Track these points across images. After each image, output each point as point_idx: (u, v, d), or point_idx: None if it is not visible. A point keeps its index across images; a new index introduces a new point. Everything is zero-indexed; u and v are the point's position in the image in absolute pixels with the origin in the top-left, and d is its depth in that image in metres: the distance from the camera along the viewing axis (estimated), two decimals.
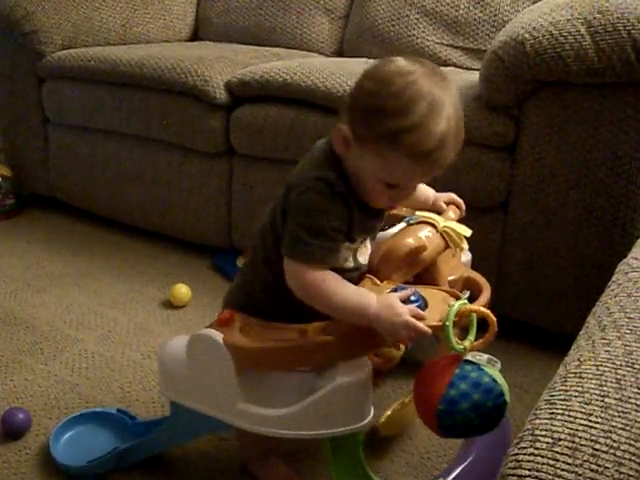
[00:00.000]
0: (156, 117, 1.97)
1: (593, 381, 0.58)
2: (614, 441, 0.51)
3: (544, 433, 0.53)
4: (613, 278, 0.83)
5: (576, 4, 1.34)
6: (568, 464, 0.50)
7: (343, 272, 0.94)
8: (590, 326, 0.71)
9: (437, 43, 2.05)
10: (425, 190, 1.13)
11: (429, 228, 1.02)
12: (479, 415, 0.86)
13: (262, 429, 0.95)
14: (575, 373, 0.60)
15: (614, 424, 0.53)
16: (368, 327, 0.88)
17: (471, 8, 2.02)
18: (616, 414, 0.54)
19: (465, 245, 1.06)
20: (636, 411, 0.54)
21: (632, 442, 0.51)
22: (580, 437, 0.52)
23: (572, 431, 0.52)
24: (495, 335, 0.87)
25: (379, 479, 0.99)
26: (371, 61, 1.95)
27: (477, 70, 1.55)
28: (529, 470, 0.50)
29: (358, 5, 2.23)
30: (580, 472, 0.49)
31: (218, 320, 0.99)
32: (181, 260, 2.03)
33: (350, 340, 0.92)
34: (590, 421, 0.53)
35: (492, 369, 0.88)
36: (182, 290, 1.74)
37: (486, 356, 0.89)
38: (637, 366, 0.60)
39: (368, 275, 1.00)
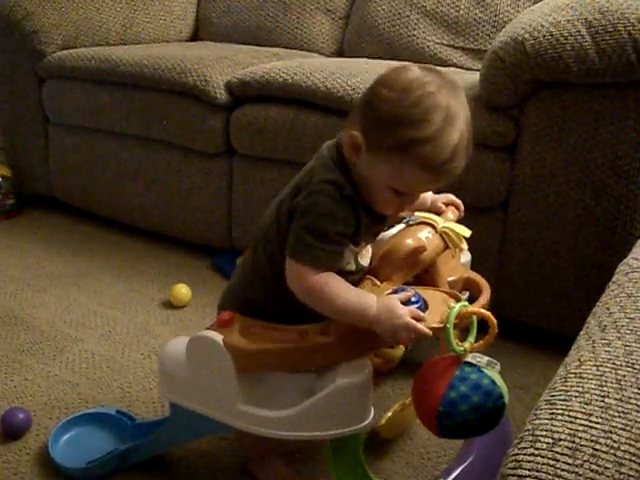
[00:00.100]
0: (156, 117, 1.97)
1: (593, 381, 0.58)
2: (614, 441, 0.51)
3: (544, 433, 0.53)
4: (613, 278, 0.83)
5: (576, 4, 1.34)
6: (568, 464, 0.50)
7: (344, 274, 0.94)
8: (590, 326, 0.71)
9: (437, 43, 2.05)
10: None
11: (428, 229, 1.02)
12: (478, 417, 0.86)
13: (262, 430, 0.95)
14: (575, 373, 0.60)
15: (614, 424, 0.52)
16: (367, 328, 0.88)
17: (471, 8, 2.02)
18: (616, 414, 0.54)
19: (464, 245, 1.06)
20: (636, 411, 0.54)
21: (632, 442, 0.51)
22: (580, 437, 0.52)
23: (572, 431, 0.52)
24: (495, 337, 0.87)
25: None
26: (371, 61, 1.96)
27: (477, 70, 1.55)
28: (529, 470, 0.50)
29: (358, 5, 2.24)
30: (580, 472, 0.49)
31: (218, 321, 0.98)
32: (181, 260, 2.03)
33: (350, 341, 0.92)
34: (590, 421, 0.53)
35: (492, 371, 0.88)
36: (182, 290, 1.74)
37: (486, 358, 0.89)
38: (637, 366, 0.60)
39: (368, 276, 1.00)
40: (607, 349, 0.63)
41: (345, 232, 0.91)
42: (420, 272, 1.03)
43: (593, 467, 0.49)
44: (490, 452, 1.09)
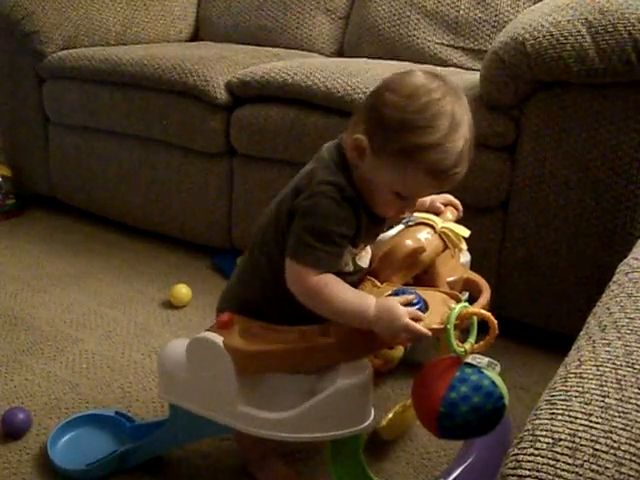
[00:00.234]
0: (156, 117, 1.97)
1: (593, 381, 0.58)
2: (614, 441, 0.51)
3: (544, 433, 0.53)
4: (613, 278, 0.83)
5: (577, 4, 1.34)
6: (568, 464, 0.50)
7: (342, 276, 0.94)
8: (590, 326, 0.71)
9: (437, 43, 2.05)
10: None
11: (427, 229, 1.02)
12: (478, 418, 0.86)
13: (262, 432, 0.95)
14: (575, 373, 0.60)
15: (614, 424, 0.52)
16: (367, 329, 0.88)
17: (472, 8, 2.02)
18: (616, 414, 0.54)
19: (464, 246, 1.06)
20: (637, 411, 0.54)
21: (632, 442, 0.51)
22: (580, 437, 0.52)
23: (572, 431, 0.52)
24: (495, 337, 0.87)
25: None
26: (371, 61, 1.96)
27: (477, 70, 1.55)
28: (529, 470, 0.50)
29: (359, 5, 2.24)
30: (580, 472, 0.49)
31: (218, 323, 0.98)
32: (181, 260, 2.03)
33: (350, 342, 0.92)
34: (590, 421, 0.53)
35: (492, 372, 0.88)
36: (182, 290, 1.74)
37: (486, 359, 0.89)
38: (638, 366, 0.60)
39: (368, 277, 1.00)
40: (607, 349, 0.63)
41: (346, 234, 0.91)
42: (419, 273, 1.03)
43: (593, 467, 0.49)
44: (490, 452, 1.09)
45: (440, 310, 0.89)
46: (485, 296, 1.05)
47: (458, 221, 1.08)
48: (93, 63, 2.07)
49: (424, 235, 1.01)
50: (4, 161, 2.48)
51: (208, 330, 0.99)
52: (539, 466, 0.50)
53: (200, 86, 1.85)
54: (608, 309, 0.73)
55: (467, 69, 1.98)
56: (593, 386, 0.57)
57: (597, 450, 0.50)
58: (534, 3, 1.81)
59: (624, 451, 0.50)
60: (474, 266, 1.24)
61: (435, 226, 1.03)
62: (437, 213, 1.08)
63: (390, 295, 0.92)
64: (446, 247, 1.03)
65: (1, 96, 2.41)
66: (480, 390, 0.86)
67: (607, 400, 0.55)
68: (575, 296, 1.45)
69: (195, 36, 2.59)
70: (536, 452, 0.51)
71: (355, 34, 2.22)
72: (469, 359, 0.88)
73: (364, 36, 2.18)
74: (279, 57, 2.06)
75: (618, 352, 0.62)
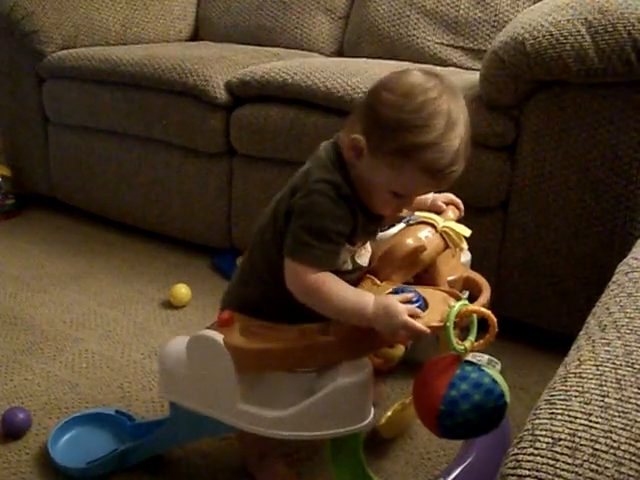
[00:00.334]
0: (156, 117, 1.97)
1: (593, 381, 0.58)
2: (614, 441, 0.51)
3: (544, 433, 0.53)
4: (613, 278, 0.83)
5: (576, 4, 1.34)
6: (568, 464, 0.50)
7: (341, 274, 0.94)
8: (590, 326, 0.71)
9: (437, 43, 2.05)
10: None
11: (428, 228, 1.02)
12: (479, 416, 0.86)
13: (262, 430, 0.95)
14: (575, 373, 0.60)
15: (614, 424, 0.52)
16: (368, 327, 0.88)
17: (471, 8, 2.02)
18: (616, 414, 0.54)
19: (465, 245, 1.06)
20: (636, 411, 0.54)
21: (632, 442, 0.51)
22: (580, 437, 0.52)
23: (572, 431, 0.52)
24: (495, 336, 0.87)
25: (379, 479, 0.99)
26: (371, 61, 1.96)
27: (477, 70, 1.55)
28: (529, 470, 0.50)
29: (358, 5, 2.23)
30: (580, 472, 0.49)
31: (218, 321, 0.99)
32: (181, 260, 2.03)
33: (350, 341, 0.92)
34: (590, 421, 0.53)
35: (492, 370, 0.88)
36: (182, 290, 1.74)
37: (486, 357, 0.89)
38: (637, 366, 0.60)
39: (368, 275, 1.00)
40: (607, 349, 0.63)
41: (343, 231, 0.91)
42: (420, 271, 1.03)
43: (593, 467, 0.49)
44: (490, 452, 1.09)
45: (440, 308, 0.89)
46: (485, 295, 1.05)
47: (459, 220, 1.08)
48: (93, 63, 2.07)
49: (425, 234, 1.01)
50: (4, 161, 2.48)
51: (208, 328, 0.99)
52: (539, 466, 0.50)
53: (200, 86, 1.85)
54: (608, 309, 0.73)
55: (467, 69, 1.98)
56: (593, 386, 0.58)
57: (597, 450, 0.50)
58: (534, 3, 1.81)
59: (624, 451, 0.50)
60: (474, 266, 1.24)
61: (436, 225, 1.03)
62: (439, 212, 1.08)
63: (390, 293, 0.92)
64: (447, 246, 1.03)
65: (1, 96, 2.41)
66: (480, 388, 0.86)
67: (607, 400, 0.55)
68: (575, 296, 1.45)
69: (195, 36, 2.59)
70: (536, 452, 0.51)
71: (355, 34, 2.22)
72: (469, 357, 0.88)
73: (364, 36, 2.18)
74: (279, 57, 2.06)
75: (618, 352, 0.62)
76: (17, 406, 1.30)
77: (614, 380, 0.58)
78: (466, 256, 1.24)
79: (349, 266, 0.98)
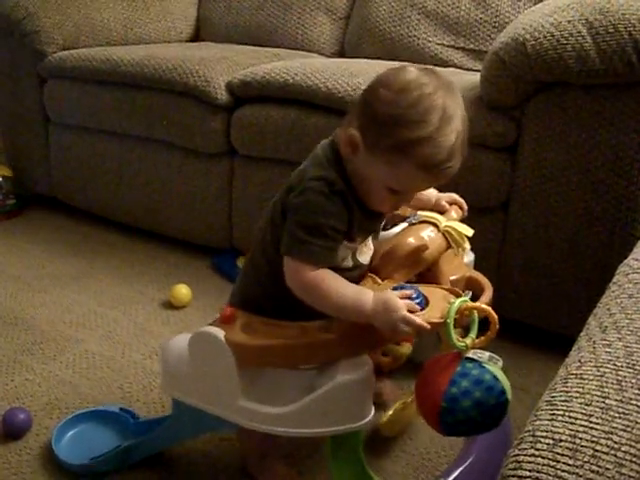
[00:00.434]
0: (157, 118, 1.97)
1: (594, 382, 0.58)
2: (615, 442, 0.51)
3: (545, 434, 0.53)
4: (614, 279, 0.83)
5: (577, 5, 1.34)
6: (569, 465, 0.50)
7: (341, 271, 0.94)
8: (591, 327, 0.71)
9: (438, 44, 2.05)
10: (427, 190, 1.13)
11: (431, 228, 1.02)
12: (481, 413, 0.86)
13: (263, 427, 0.95)
14: (576, 374, 0.60)
15: (615, 425, 0.52)
16: (369, 325, 0.89)
17: (472, 9, 2.02)
18: (617, 415, 0.54)
19: (467, 245, 1.06)
20: (637, 412, 0.54)
21: (633, 443, 0.51)
22: (581, 438, 0.52)
23: (573, 432, 0.52)
24: (496, 333, 0.87)
25: (379, 479, 0.99)
26: (372, 62, 1.96)
27: (478, 71, 1.55)
28: (529, 471, 0.50)
29: (359, 6, 2.24)
30: (581, 473, 0.49)
31: (220, 317, 0.99)
32: (181, 260, 2.03)
33: (352, 338, 0.92)
34: (591, 422, 0.53)
35: (494, 367, 0.88)
36: (182, 290, 1.74)
37: (487, 354, 0.89)
38: (638, 367, 0.60)
39: (370, 274, 1.00)
40: (608, 350, 0.63)
41: (338, 227, 0.91)
42: (422, 271, 1.03)
43: (594, 468, 0.49)
44: (490, 453, 1.08)
45: (440, 305, 0.89)
46: (487, 294, 1.05)
47: (462, 220, 1.09)
48: (94, 63, 2.07)
49: (427, 233, 1.01)
50: (4, 161, 2.48)
51: (210, 324, 0.99)
52: (539, 467, 0.50)
53: (201, 86, 1.85)
54: (608, 310, 0.73)
55: (467, 70, 1.98)
56: (593, 387, 0.57)
57: (597, 451, 0.50)
58: (534, 4, 1.81)
59: (624, 452, 0.50)
60: (475, 266, 1.24)
61: (439, 224, 1.03)
62: (442, 212, 1.08)
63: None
64: (449, 246, 1.04)
65: (1, 96, 2.41)
66: (481, 384, 0.86)
67: (607, 401, 0.55)
68: (575, 296, 1.45)
69: (196, 36, 2.59)
70: (536, 453, 0.51)
71: (355, 34, 2.22)
72: (470, 354, 0.88)
73: (364, 36, 2.18)
74: (280, 57, 2.06)
75: (619, 353, 0.62)
76: (17, 406, 1.30)
77: (615, 381, 0.58)
78: (469, 256, 1.24)
79: (349, 263, 0.98)
